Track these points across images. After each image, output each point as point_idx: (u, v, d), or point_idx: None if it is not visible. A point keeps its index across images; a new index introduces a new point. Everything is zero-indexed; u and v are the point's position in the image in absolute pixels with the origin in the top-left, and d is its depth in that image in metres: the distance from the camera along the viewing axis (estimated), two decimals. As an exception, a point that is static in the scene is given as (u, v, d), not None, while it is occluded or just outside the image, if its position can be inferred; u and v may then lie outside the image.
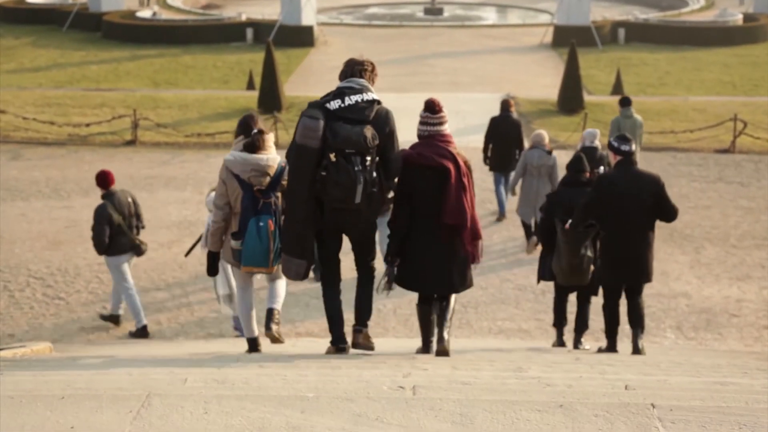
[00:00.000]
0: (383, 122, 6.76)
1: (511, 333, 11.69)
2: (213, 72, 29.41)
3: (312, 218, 6.82)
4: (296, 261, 6.90)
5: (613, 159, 9.08)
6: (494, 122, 16.25)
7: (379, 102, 6.84)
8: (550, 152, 14.33)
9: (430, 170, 6.92)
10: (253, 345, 8.04)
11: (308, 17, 34.19)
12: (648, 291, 12.99)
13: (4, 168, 19.64)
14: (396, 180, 7.07)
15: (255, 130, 7.41)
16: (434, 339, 7.43)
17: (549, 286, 13.27)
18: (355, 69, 6.90)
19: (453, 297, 7.39)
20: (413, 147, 7.11)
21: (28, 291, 13.05)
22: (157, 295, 12.89)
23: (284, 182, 7.24)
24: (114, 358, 7.15)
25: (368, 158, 6.61)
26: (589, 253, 9.10)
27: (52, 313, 12.35)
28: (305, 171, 6.66)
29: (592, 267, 9.20)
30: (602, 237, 8.96)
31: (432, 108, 7.18)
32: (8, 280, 13.42)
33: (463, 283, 7.27)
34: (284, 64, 27.45)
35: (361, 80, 6.85)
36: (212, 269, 7.75)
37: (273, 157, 7.35)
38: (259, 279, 8.78)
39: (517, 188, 14.91)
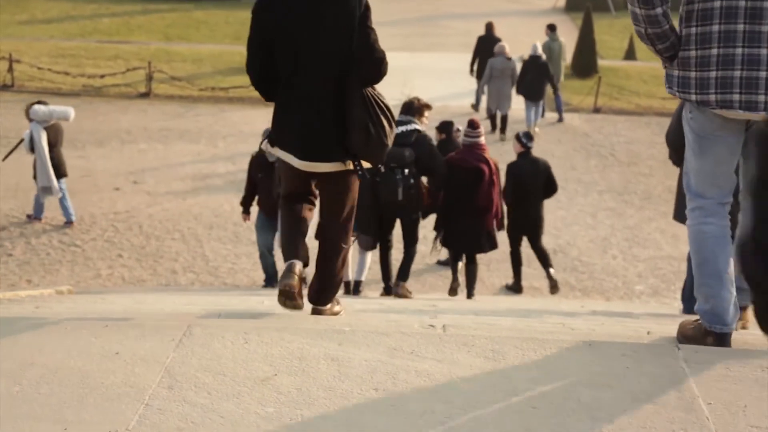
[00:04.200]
0: (421, 144, 9.43)
1: (523, 291, 11.84)
2: (225, 28, 29.39)
3: (374, 208, 9.45)
4: (364, 237, 9.81)
5: (519, 149, 11.69)
6: (480, 40, 20.74)
7: (419, 131, 9.49)
8: (509, 59, 18.89)
9: (470, 170, 9.80)
10: (357, 286, 10.50)
11: (321, -25, 34.03)
12: (659, 254, 13.17)
13: (19, 118, 19.69)
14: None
15: None
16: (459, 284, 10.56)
17: (562, 246, 13.44)
18: (410, 108, 9.66)
19: (476, 260, 10.63)
20: (457, 153, 10.08)
21: (45, 238, 13.19)
22: (172, 245, 13.03)
23: None
24: (141, 299, 7.30)
25: (407, 170, 9.32)
26: None
27: (69, 260, 12.49)
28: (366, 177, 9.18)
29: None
30: (509, 204, 11.51)
31: (473, 125, 10.07)
32: (25, 227, 13.56)
33: (489, 245, 10.30)
34: (297, 21, 27.36)
35: (412, 117, 9.56)
36: None
37: None
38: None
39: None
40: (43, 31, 28.64)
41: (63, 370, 3.78)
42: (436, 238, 10.41)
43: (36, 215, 13.88)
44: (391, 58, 5.07)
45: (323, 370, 3.79)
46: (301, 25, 4.83)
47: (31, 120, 13.27)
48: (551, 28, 21.45)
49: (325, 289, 5.22)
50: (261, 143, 5.33)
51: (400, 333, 4.19)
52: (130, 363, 3.85)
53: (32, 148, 13.25)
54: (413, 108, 9.72)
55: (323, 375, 3.75)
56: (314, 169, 5.03)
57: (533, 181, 11.49)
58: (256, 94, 19.53)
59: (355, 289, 10.46)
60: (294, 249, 5.07)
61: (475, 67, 20.70)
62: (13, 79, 22.09)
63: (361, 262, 10.49)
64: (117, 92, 22.03)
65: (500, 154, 13.98)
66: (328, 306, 5.26)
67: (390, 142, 5.07)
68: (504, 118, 19.16)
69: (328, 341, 4.06)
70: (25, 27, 28.92)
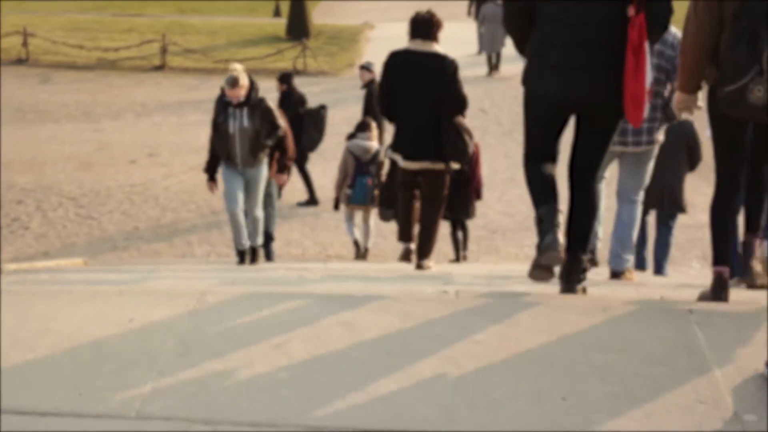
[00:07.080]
0: None
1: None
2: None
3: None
4: (386, 211, 10.33)
5: (366, 77, 13.02)
6: None
7: None
8: (500, 5, 20.42)
9: None
10: (357, 244, 11.55)
11: (335, -55, 34.01)
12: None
13: (35, 91, 19.76)
14: None
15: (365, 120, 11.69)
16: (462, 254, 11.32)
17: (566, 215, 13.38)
18: None
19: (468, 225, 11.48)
20: None
21: (61, 211, 13.23)
22: (188, 217, 13.06)
23: (380, 160, 11.07)
24: (155, 269, 7.33)
25: None
26: None
27: (85, 232, 12.52)
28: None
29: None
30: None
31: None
32: (41, 200, 13.60)
33: (473, 213, 11.10)
34: (311, -7, 27.35)
35: None
36: (336, 206, 11.47)
37: (374, 144, 11.21)
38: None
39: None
40: (58, 5, 28.63)
41: (78, 338, 3.81)
42: None
43: None
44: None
45: (336, 335, 3.81)
46: (413, 77, 7.21)
47: None
48: None
49: (424, 249, 7.59)
50: (385, 154, 7.75)
51: (412, 298, 4.20)
52: (144, 330, 3.87)
53: None
54: None
55: (336, 340, 3.76)
56: (413, 166, 7.44)
57: None
58: (270, 65, 19.50)
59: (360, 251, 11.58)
60: (410, 232, 7.87)
61: (473, 10, 24.69)
62: (27, 53, 22.12)
63: (349, 228, 11.60)
64: (131, 65, 22.02)
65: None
66: (426, 261, 7.55)
67: (471, 150, 7.42)
68: (497, 56, 22.08)
69: (341, 307, 4.07)
70: (39, 2, 28.91)
